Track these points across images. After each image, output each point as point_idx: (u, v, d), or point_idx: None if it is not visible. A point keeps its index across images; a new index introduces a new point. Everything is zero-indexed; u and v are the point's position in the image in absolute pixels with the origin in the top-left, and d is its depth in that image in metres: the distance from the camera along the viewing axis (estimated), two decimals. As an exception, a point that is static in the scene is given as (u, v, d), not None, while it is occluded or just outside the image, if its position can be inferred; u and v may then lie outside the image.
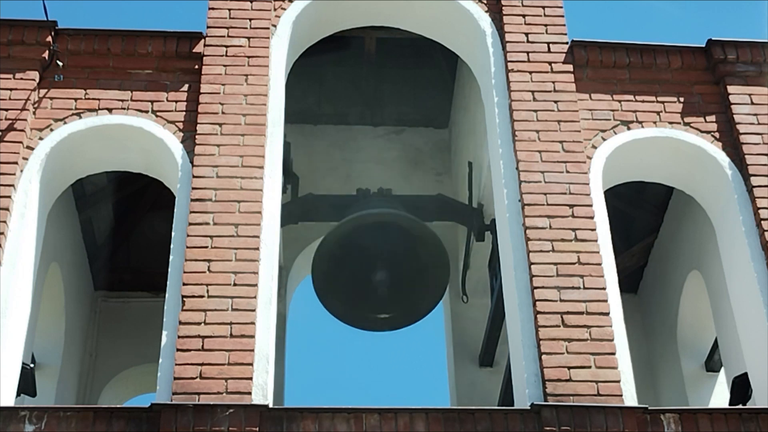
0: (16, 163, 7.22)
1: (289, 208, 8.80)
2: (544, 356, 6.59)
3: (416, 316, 9.15)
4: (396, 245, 8.84)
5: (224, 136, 7.38)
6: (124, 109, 7.57)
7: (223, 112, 7.48)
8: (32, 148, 7.35)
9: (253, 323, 6.62)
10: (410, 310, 9.12)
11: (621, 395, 6.49)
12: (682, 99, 7.91)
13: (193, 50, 7.79)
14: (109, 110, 7.57)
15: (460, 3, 8.25)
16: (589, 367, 6.56)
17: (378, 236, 8.77)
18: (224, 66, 7.70)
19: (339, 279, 8.95)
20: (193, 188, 7.14)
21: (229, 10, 7.98)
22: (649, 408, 6.50)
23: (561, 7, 8.18)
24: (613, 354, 6.63)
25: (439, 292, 9.03)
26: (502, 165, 7.48)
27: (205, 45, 7.80)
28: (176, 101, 7.61)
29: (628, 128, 7.74)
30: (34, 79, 7.59)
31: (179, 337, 6.54)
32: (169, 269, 6.92)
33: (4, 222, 6.95)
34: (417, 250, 8.89)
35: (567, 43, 8.01)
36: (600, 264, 6.98)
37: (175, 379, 6.40)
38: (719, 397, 8.91)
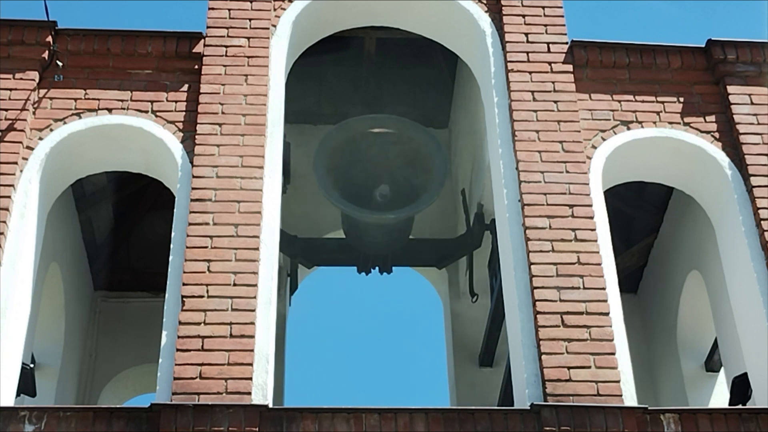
0: (16, 163, 7.22)
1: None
2: (543, 356, 6.59)
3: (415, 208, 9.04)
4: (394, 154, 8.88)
5: (224, 136, 7.38)
6: (124, 109, 7.57)
7: (223, 112, 7.48)
8: (32, 148, 7.35)
9: (253, 323, 6.62)
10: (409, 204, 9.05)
11: (621, 395, 6.49)
12: (681, 99, 7.91)
13: (193, 50, 7.79)
14: (109, 110, 7.57)
15: (460, 3, 8.25)
16: (589, 367, 6.56)
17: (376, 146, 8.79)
18: (224, 66, 7.70)
19: (340, 181, 8.94)
20: (193, 188, 7.14)
21: (229, 10, 7.98)
22: (649, 408, 6.50)
23: (561, 7, 8.18)
24: (613, 354, 6.63)
25: (437, 188, 8.94)
26: (502, 165, 7.48)
27: (205, 45, 7.80)
28: (176, 101, 7.61)
29: (628, 128, 7.74)
30: (34, 79, 7.59)
31: (179, 337, 6.54)
32: (169, 269, 6.92)
33: (4, 222, 6.95)
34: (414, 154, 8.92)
35: (567, 43, 8.01)
36: (600, 264, 6.98)
37: (174, 379, 6.40)
38: (719, 397, 8.91)
